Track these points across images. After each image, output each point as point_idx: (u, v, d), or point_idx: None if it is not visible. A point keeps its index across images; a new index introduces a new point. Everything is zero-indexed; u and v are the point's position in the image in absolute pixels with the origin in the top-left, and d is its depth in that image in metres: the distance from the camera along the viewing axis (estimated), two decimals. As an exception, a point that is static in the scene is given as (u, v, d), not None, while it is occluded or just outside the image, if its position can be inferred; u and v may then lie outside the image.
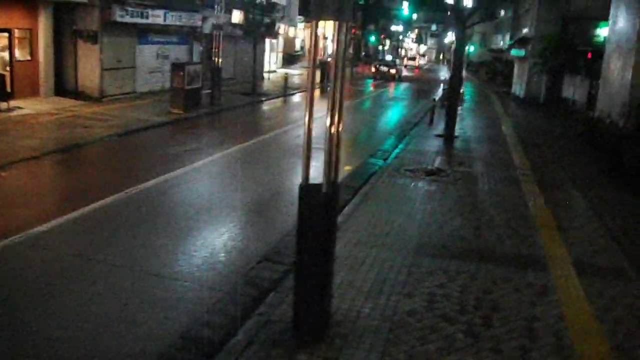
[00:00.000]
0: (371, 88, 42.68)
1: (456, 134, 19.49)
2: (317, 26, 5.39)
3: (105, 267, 7.41)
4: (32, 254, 7.76)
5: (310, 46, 5.62)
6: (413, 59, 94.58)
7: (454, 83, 19.62)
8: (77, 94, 23.25)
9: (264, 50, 39.77)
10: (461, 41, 19.60)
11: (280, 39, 51.18)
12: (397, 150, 16.48)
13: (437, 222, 9.66)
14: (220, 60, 24.75)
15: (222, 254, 8.22)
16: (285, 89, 31.44)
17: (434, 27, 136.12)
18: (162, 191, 11.19)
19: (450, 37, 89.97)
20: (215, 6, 24.25)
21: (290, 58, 56.97)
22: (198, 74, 22.70)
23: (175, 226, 9.19)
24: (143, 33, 26.41)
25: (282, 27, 38.16)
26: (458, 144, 18.28)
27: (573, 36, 33.37)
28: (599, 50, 29.43)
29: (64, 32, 23.33)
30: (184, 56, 29.22)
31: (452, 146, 17.85)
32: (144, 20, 25.32)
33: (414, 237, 8.76)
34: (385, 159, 15.03)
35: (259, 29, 28.69)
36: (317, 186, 5.42)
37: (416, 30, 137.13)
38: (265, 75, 40.44)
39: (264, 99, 28.53)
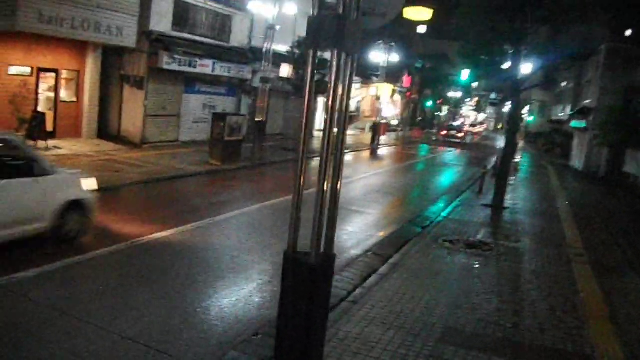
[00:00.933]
0: (424, 152, 41.70)
1: (506, 204, 18.29)
2: (314, 56, 4.54)
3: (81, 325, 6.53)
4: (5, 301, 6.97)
5: (306, 79, 4.73)
6: (473, 125, 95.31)
7: (507, 150, 18.49)
8: (119, 139, 23.09)
9: (315, 108, 39.44)
10: (516, 106, 18.55)
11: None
12: (439, 218, 15.38)
13: (471, 303, 8.50)
14: (264, 114, 24.19)
15: (216, 322, 7.24)
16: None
17: (492, 96, 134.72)
18: (171, 244, 10.36)
19: (509, 106, 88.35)
20: (263, 59, 23.84)
21: (344, 118, 56.63)
22: (240, 126, 22.20)
23: (169, 285, 8.30)
24: (190, 82, 26.31)
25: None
26: (507, 215, 17.03)
27: (636, 109, 31.88)
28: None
29: (111, 76, 23.39)
30: (231, 108, 28.97)
31: (500, 218, 16.63)
32: (191, 69, 25.21)
33: (441, 320, 7.63)
34: (424, 227, 13.92)
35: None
36: (304, 256, 4.45)
37: (476, 98, 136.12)
38: (317, 133, 40.02)
39: (309, 156, 27.73)
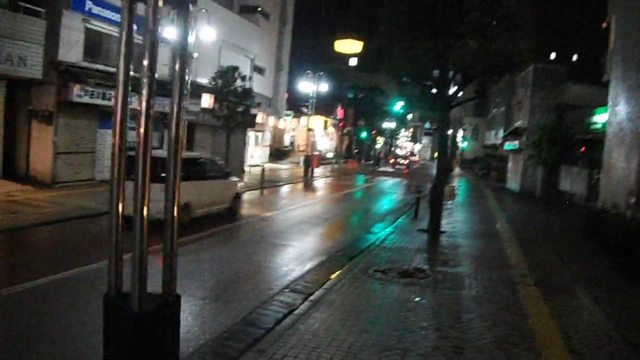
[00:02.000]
0: (361, 182, 40.59)
1: (443, 228, 17.14)
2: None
3: None
4: None
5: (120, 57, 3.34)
6: (412, 155, 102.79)
7: (439, 170, 17.40)
8: (28, 179, 21.19)
9: (244, 143, 38.00)
10: (445, 125, 17.51)
11: (267, 133, 49.75)
12: (371, 247, 14.03)
13: (403, 342, 7.07)
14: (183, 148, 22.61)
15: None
16: (261, 183, 29.29)
17: (427, 125, 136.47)
18: (35, 298, 8.62)
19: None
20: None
21: (278, 153, 55.44)
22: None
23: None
24: (106, 116, 24.55)
25: (262, 117, 36.40)
26: (444, 239, 15.82)
27: (569, 125, 31.65)
28: (595, 139, 27.67)
29: (18, 111, 21.51)
30: (153, 144, 27.22)
31: (436, 242, 15.40)
32: (105, 102, 23.50)
33: (366, 368, 6.17)
34: (352, 257, 12.49)
35: (232, 117, 26.81)
36: (127, 300, 2.98)
37: (411, 129, 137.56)
38: (248, 168, 38.55)
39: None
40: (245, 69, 37.03)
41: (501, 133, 58.78)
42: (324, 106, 63.35)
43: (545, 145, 31.86)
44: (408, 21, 15.92)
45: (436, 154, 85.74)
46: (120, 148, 3.49)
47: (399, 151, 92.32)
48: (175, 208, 3.52)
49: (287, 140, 59.88)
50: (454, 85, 17.38)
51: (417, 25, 15.85)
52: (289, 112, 54.87)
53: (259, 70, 42.09)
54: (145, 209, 3.25)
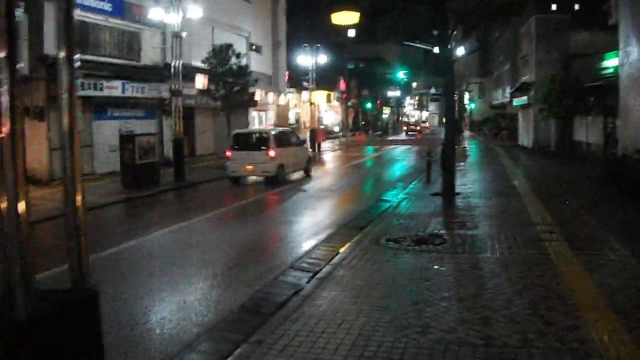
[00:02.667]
0: (370, 152, 39.58)
1: (458, 190, 16.18)
2: None
3: None
4: None
5: None
6: (424, 122, 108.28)
7: (448, 128, 16.41)
8: (25, 177, 20.26)
9: (247, 123, 37.03)
10: (450, 83, 16.41)
11: (271, 111, 48.74)
12: (382, 214, 13.12)
13: (423, 318, 6.16)
14: (181, 130, 21.69)
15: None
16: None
17: (433, 91, 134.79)
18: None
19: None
20: (172, 71, 21.37)
21: (284, 131, 54.37)
22: (153, 147, 19.74)
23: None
24: (100, 107, 23.84)
25: (261, 95, 35.28)
26: (460, 201, 14.86)
27: (578, 74, 30.41)
28: (607, 85, 26.55)
29: (9, 109, 20.63)
30: (151, 131, 26.31)
31: (452, 205, 14.45)
32: (98, 93, 22.75)
33: (379, 354, 5.28)
34: (362, 227, 11.57)
35: (230, 97, 25.83)
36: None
37: (417, 98, 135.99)
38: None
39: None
40: (241, 48, 36.03)
41: (508, 91, 57.47)
42: (326, 80, 62.15)
43: (556, 97, 30.66)
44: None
45: (444, 119, 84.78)
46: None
47: (410, 119, 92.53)
48: (79, 199, 2.72)
49: (292, 118, 58.83)
50: (454, 42, 16.35)
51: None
52: (291, 89, 53.78)
53: (255, 48, 40.99)
54: (19, 207, 2.38)
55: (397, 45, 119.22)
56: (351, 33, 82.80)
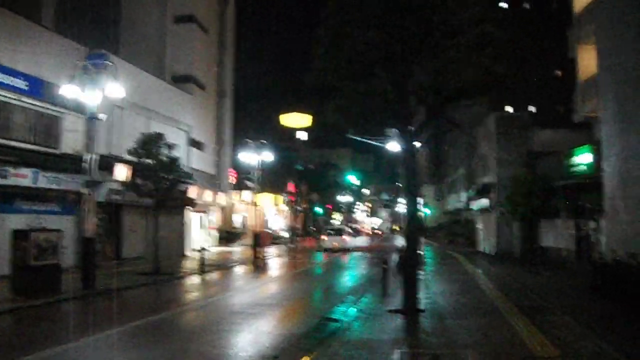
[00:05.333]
0: (318, 259, 36.09)
1: (422, 306, 12.93)
2: None
3: None
4: None
5: None
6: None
7: (411, 227, 13.30)
8: None
9: (182, 224, 33.47)
10: (411, 157, 13.39)
11: (213, 214, 45.36)
12: (325, 340, 9.69)
13: None
14: (93, 229, 18.07)
15: None
16: (201, 267, 24.76)
17: (384, 196, 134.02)
18: None
19: (401, 206, 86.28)
20: (88, 158, 17.98)
21: (229, 235, 50.83)
22: (54, 245, 16.06)
23: None
24: (6, 198, 20.38)
25: (198, 194, 31.89)
26: (426, 322, 11.54)
27: (544, 173, 28.18)
28: (579, 182, 24.44)
29: None
30: (69, 229, 22.57)
31: (417, 326, 11.14)
32: (1, 181, 19.46)
33: None
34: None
35: (158, 193, 22.42)
36: None
37: (368, 203, 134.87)
38: (191, 253, 33.80)
39: (167, 279, 21.66)
40: (181, 143, 33.07)
41: (464, 196, 55.65)
42: (274, 183, 59.52)
43: (521, 199, 28.21)
44: (355, 47, 12.25)
45: (396, 226, 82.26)
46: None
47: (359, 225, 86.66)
48: None
49: (237, 221, 55.44)
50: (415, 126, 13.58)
51: (366, 52, 12.21)
52: (237, 190, 50.80)
53: (197, 144, 38.09)
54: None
55: (349, 150, 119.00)
56: (303, 136, 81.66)
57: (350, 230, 50.28)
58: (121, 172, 22.96)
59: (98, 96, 17.76)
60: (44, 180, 21.33)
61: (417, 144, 15.40)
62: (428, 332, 10.44)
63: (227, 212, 53.30)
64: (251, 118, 59.54)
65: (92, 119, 17.93)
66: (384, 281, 16.57)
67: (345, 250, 42.33)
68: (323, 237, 46.66)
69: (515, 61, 13.37)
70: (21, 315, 13.55)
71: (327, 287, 21.00)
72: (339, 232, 46.61)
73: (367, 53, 12.14)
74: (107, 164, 24.00)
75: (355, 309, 13.40)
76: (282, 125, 74.77)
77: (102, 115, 18.23)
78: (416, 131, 13.31)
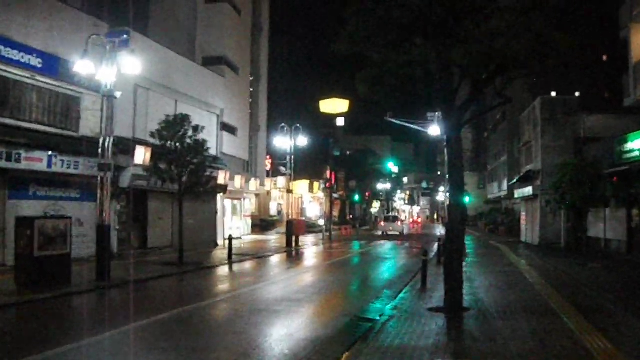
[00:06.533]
0: (355, 248, 34.74)
1: (466, 303, 11.52)
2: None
3: None
4: None
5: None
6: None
7: (452, 217, 11.84)
8: None
9: (215, 212, 32.39)
10: (457, 148, 11.93)
11: (248, 201, 44.28)
12: (354, 346, 8.35)
13: None
14: (108, 216, 16.99)
15: None
16: (229, 258, 23.62)
17: (424, 185, 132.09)
18: None
19: (441, 195, 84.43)
20: (102, 139, 16.89)
21: (264, 224, 49.84)
22: (63, 234, 15.02)
23: None
24: (19, 183, 19.68)
25: (223, 177, 30.54)
26: (472, 324, 10.12)
27: (594, 160, 26.31)
28: (633, 169, 22.80)
29: None
30: (90, 217, 21.63)
31: (461, 330, 9.74)
32: (14, 165, 18.49)
33: None
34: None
35: (183, 178, 21.26)
36: None
37: (407, 192, 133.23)
38: (224, 242, 32.68)
39: (191, 269, 20.54)
40: (211, 127, 31.96)
41: (505, 184, 53.76)
42: (311, 170, 58.34)
43: (569, 187, 26.35)
44: (389, 12, 10.79)
45: (435, 215, 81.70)
46: None
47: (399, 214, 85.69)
48: None
49: (273, 209, 54.38)
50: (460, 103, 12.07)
51: (403, 16, 10.76)
52: (274, 179, 49.66)
53: (229, 129, 36.94)
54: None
55: (388, 138, 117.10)
56: (340, 122, 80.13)
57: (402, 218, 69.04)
58: (140, 155, 21.87)
59: (113, 73, 16.66)
60: (61, 164, 20.32)
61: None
62: (474, 337, 9.02)
63: (262, 199, 52.27)
64: (287, 103, 58.26)
65: (107, 97, 16.84)
66: (423, 274, 15.22)
67: (401, 234, 51.45)
68: (380, 222, 59.43)
69: (569, 30, 11.80)
70: (21, 310, 12.49)
71: (362, 280, 19.69)
72: (394, 219, 58.68)
73: (403, 18, 10.70)
74: (130, 147, 23.00)
75: (391, 306, 12.02)
76: (321, 112, 73.50)
77: (117, 93, 17.12)
78: (460, 108, 11.82)
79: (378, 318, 10.79)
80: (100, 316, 11.89)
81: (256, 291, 15.53)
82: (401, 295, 13.74)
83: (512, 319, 10.50)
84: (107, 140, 16.93)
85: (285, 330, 10.30)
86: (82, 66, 16.37)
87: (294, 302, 13.61)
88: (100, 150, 16.89)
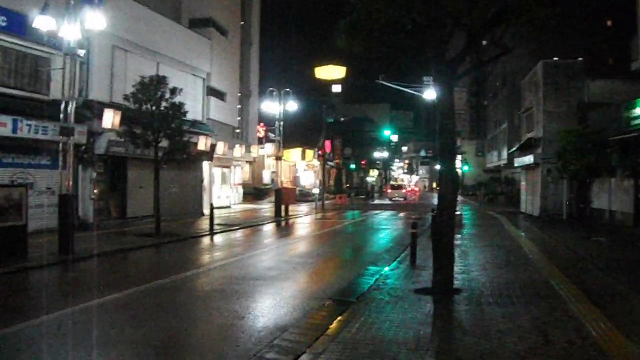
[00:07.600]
0: (348, 218, 33.36)
1: (458, 284, 10.17)
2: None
3: None
4: None
5: None
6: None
7: (443, 187, 10.42)
8: None
9: (199, 179, 31.00)
10: (448, 109, 10.41)
11: (239, 169, 42.86)
12: (317, 341, 6.98)
13: None
14: (69, 184, 15.54)
15: None
16: (211, 227, 22.32)
17: (422, 153, 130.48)
18: None
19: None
20: (64, 100, 15.37)
21: (257, 192, 48.50)
22: (17, 204, 13.60)
23: None
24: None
25: (204, 143, 28.91)
26: (463, 310, 8.76)
27: (599, 127, 24.76)
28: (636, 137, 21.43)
29: None
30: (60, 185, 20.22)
31: (450, 318, 8.37)
32: None
33: None
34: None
35: (157, 142, 19.78)
36: None
37: (406, 161, 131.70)
38: (209, 212, 31.34)
39: (167, 241, 19.20)
40: (196, 91, 30.39)
41: (505, 153, 52.31)
42: (306, 137, 56.88)
43: (572, 155, 24.79)
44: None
45: (435, 185, 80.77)
46: None
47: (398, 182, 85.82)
48: None
49: (266, 177, 52.93)
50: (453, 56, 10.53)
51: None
52: (262, 146, 48.12)
53: (217, 94, 35.33)
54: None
55: (386, 106, 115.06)
56: (337, 88, 78.43)
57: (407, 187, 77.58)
58: (108, 118, 20.35)
59: (76, 29, 15.08)
60: (27, 129, 18.85)
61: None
62: (464, 329, 7.62)
63: (255, 167, 50.86)
64: (282, 70, 56.46)
65: (70, 55, 15.30)
66: (413, 249, 13.84)
67: (405, 199, 60.49)
68: (387, 190, 67.50)
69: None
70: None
71: (347, 254, 18.34)
72: (400, 187, 68.47)
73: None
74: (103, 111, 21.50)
75: (374, 286, 10.63)
76: (317, 78, 71.81)
77: (81, 51, 15.58)
78: (452, 61, 10.28)
79: (354, 301, 9.40)
80: (45, 294, 10.54)
81: (226, 267, 14.09)
82: (387, 271, 12.35)
83: (509, 304, 9.10)
84: (70, 102, 15.43)
85: (242, 321, 8.87)
86: (42, 22, 14.80)
87: (265, 280, 12.19)
88: (62, 113, 15.41)
